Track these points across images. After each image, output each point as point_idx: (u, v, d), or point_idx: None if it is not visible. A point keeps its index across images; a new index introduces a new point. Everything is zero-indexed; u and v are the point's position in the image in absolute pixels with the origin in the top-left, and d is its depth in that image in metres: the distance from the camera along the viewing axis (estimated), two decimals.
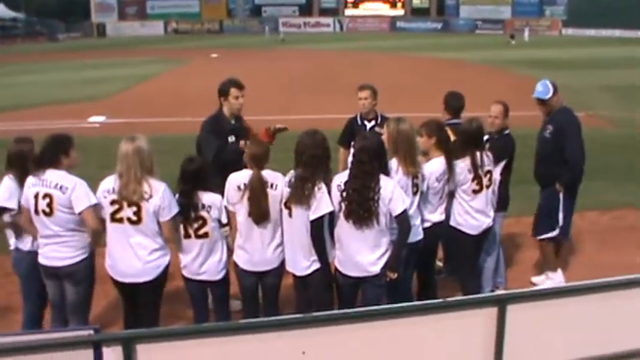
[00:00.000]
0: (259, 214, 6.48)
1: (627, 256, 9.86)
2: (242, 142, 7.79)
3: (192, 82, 33.46)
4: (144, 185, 6.21)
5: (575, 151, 8.37)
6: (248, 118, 8.41)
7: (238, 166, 6.84)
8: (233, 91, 8.03)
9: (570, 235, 9.09)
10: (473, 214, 7.68)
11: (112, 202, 6.30)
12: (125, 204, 6.25)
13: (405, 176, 6.78)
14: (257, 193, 6.44)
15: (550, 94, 8.47)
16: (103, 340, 4.28)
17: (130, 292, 6.60)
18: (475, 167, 7.53)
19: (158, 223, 6.36)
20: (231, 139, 7.94)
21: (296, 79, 34.06)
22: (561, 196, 8.53)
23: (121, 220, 6.32)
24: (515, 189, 8.75)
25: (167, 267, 6.56)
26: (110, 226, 6.38)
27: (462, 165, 7.51)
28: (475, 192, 7.61)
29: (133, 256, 6.38)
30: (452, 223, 7.70)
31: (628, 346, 5.29)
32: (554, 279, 8.75)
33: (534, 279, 9.17)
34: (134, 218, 6.28)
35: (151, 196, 6.23)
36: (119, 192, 6.24)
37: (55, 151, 6.42)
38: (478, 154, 7.55)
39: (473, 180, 7.55)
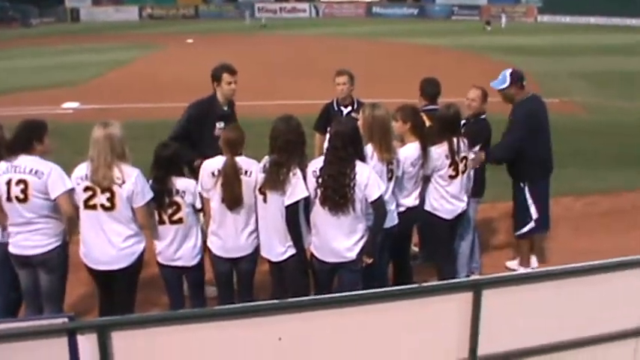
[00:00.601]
0: (232, 199, 6.45)
1: (601, 242, 9.95)
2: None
3: (167, 67, 33.25)
4: (114, 170, 6.16)
5: (502, 149, 8.39)
6: None
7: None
8: (226, 76, 8.01)
9: (549, 226, 9.09)
10: (448, 198, 7.70)
11: (86, 189, 6.24)
12: (98, 190, 6.20)
13: (380, 162, 6.77)
14: (230, 178, 6.42)
15: (504, 85, 8.42)
16: (77, 327, 4.25)
17: (104, 279, 6.56)
18: (452, 153, 7.55)
19: (132, 209, 6.31)
20: (220, 124, 7.87)
21: (272, 64, 33.93)
22: (527, 189, 8.54)
23: (94, 207, 6.26)
24: (490, 174, 8.78)
25: (142, 254, 6.53)
26: (84, 213, 6.33)
27: (440, 151, 7.52)
28: (451, 177, 7.63)
29: (107, 243, 6.33)
30: (427, 207, 7.72)
31: (603, 330, 5.34)
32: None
33: (508, 263, 9.23)
34: (108, 204, 6.23)
35: (123, 182, 6.18)
36: (90, 177, 6.19)
37: (28, 137, 6.34)
38: (455, 140, 7.57)
39: (450, 166, 7.57)
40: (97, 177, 6.17)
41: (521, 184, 8.55)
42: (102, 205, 6.25)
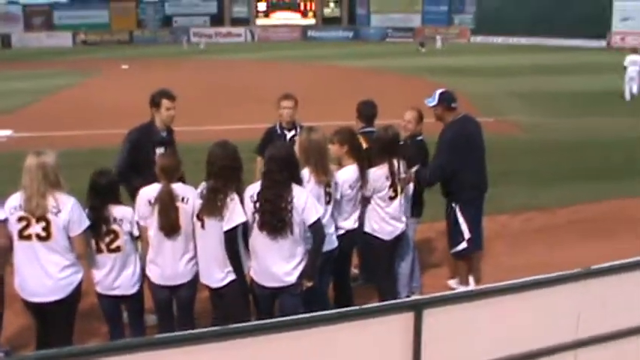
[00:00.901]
0: (169, 227, 6.41)
1: (538, 257, 10.12)
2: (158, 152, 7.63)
3: (103, 93, 32.86)
4: (49, 199, 6.05)
5: (430, 172, 8.40)
6: None
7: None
8: (165, 102, 7.99)
9: (482, 246, 9.18)
10: (388, 220, 7.75)
11: (20, 219, 6.12)
12: (33, 220, 6.08)
13: (317, 185, 6.78)
14: (166, 206, 6.38)
15: (433, 103, 8.52)
16: None
17: (41, 311, 6.42)
18: (392, 174, 7.61)
19: (69, 238, 6.20)
20: (160, 150, 7.79)
21: (208, 89, 33.82)
22: (457, 209, 8.60)
23: (29, 237, 6.13)
24: (429, 195, 8.86)
25: (80, 284, 6.41)
26: (18, 244, 6.19)
27: (380, 172, 7.57)
28: (391, 199, 7.69)
29: (44, 274, 6.19)
30: (367, 229, 7.76)
31: (540, 345, 5.41)
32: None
33: (450, 282, 9.30)
34: (43, 234, 6.11)
35: (59, 211, 6.08)
36: (24, 207, 6.07)
37: None
38: (395, 161, 7.63)
39: (390, 187, 7.62)
40: (30, 206, 6.05)
41: (453, 205, 8.61)
42: (37, 235, 6.12)
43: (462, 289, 8.85)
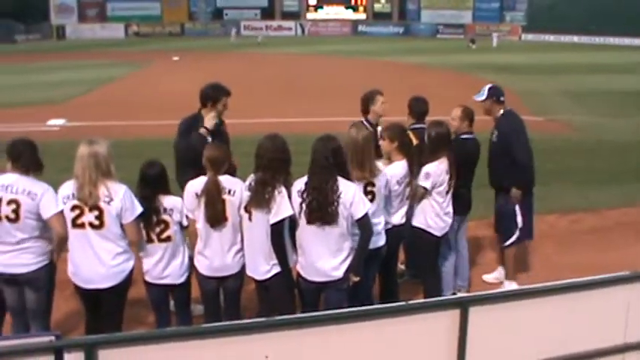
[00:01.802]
0: (214, 218, 6.46)
1: (586, 258, 10.02)
2: (202, 129, 7.74)
3: (153, 84, 33.27)
4: (100, 188, 6.15)
5: (521, 154, 8.48)
6: None
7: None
8: (224, 99, 8.04)
9: (533, 235, 9.15)
10: (442, 215, 7.80)
11: (73, 208, 6.22)
12: (86, 209, 6.18)
13: (357, 182, 6.72)
14: (213, 197, 6.43)
15: (482, 98, 8.62)
16: (64, 345, 4.23)
17: (93, 298, 6.52)
18: (451, 169, 7.63)
19: (121, 226, 6.30)
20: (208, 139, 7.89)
21: (258, 82, 33.97)
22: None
23: (82, 226, 6.24)
24: (476, 193, 8.82)
25: (131, 271, 6.51)
26: (72, 232, 6.29)
27: (441, 166, 7.62)
28: (447, 193, 7.72)
29: (97, 261, 6.30)
30: (420, 224, 7.77)
31: (587, 347, 5.36)
32: (509, 286, 8.80)
33: (485, 277, 9.35)
34: (96, 223, 6.21)
35: (111, 199, 6.17)
36: (76, 195, 6.18)
37: (36, 158, 6.35)
38: (451, 155, 7.65)
39: (449, 180, 7.65)
40: (82, 194, 6.15)
41: (513, 195, 8.61)
42: (90, 224, 6.22)
43: (506, 283, 8.82)
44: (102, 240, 6.28)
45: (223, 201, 6.47)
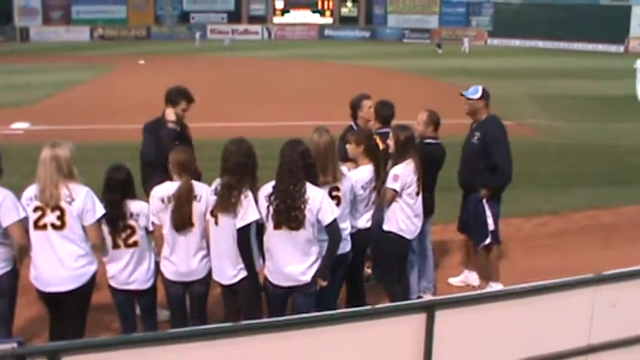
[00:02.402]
0: (181, 222, 6.44)
1: (551, 261, 10.11)
2: (171, 124, 7.83)
3: (119, 88, 33.03)
4: (62, 189, 6.13)
5: (503, 159, 8.54)
6: None
7: None
8: (183, 103, 8.03)
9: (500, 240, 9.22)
10: (412, 218, 7.80)
11: (35, 209, 6.20)
12: (48, 210, 6.16)
13: (322, 186, 6.70)
14: (182, 202, 6.41)
15: (476, 96, 8.65)
16: (27, 353, 4.18)
17: (55, 302, 6.47)
18: (418, 170, 7.64)
19: (83, 228, 6.26)
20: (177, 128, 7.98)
21: (223, 86, 33.89)
22: (485, 202, 8.67)
23: (44, 227, 6.21)
24: (440, 195, 8.86)
25: (94, 275, 6.47)
26: (34, 234, 6.25)
27: (409, 167, 7.61)
28: (417, 194, 7.73)
29: (58, 264, 6.26)
30: (392, 229, 7.76)
31: (552, 349, 5.40)
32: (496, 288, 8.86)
33: (451, 280, 9.43)
34: (58, 223, 6.19)
35: (73, 199, 6.16)
36: (38, 197, 6.16)
37: None
38: (416, 157, 7.67)
39: (417, 181, 7.66)
40: (44, 196, 6.15)
41: (482, 195, 8.68)
42: (52, 225, 6.19)
43: (492, 284, 8.85)
44: (64, 241, 6.24)
45: (191, 206, 6.44)
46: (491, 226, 8.75)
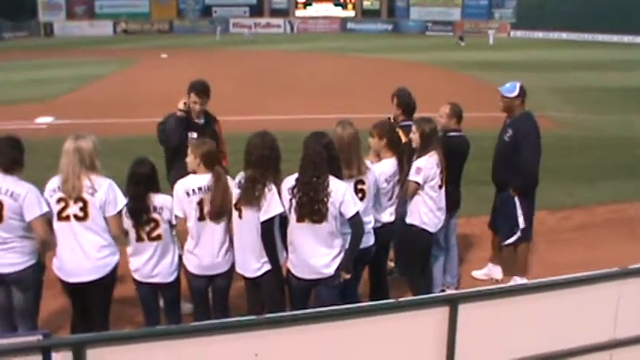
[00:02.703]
0: (217, 211, 6.45)
1: (575, 255, 10.04)
2: (179, 113, 8.03)
3: (141, 82, 33.18)
4: (84, 181, 6.21)
5: (528, 159, 8.47)
6: None
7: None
8: (192, 96, 8.15)
9: (531, 237, 9.16)
10: (435, 211, 7.78)
11: (58, 200, 6.28)
12: (71, 201, 6.23)
13: (347, 180, 6.71)
14: (219, 190, 6.44)
15: (514, 94, 8.55)
16: (52, 345, 4.20)
17: (78, 292, 6.53)
18: (441, 162, 7.62)
19: (105, 220, 6.32)
20: (193, 135, 7.99)
21: (246, 79, 33.94)
22: (517, 200, 8.62)
23: (67, 218, 6.28)
24: (465, 189, 8.82)
25: (116, 266, 6.53)
26: (57, 225, 6.33)
27: (431, 160, 7.60)
28: (440, 187, 7.71)
29: (82, 254, 6.33)
30: (414, 222, 7.75)
31: (576, 343, 5.37)
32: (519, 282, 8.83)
33: (474, 273, 9.38)
34: (81, 214, 6.26)
35: (96, 191, 6.24)
36: (61, 188, 6.24)
37: (13, 157, 6.30)
38: (440, 149, 7.65)
39: (440, 174, 7.64)
40: (66, 187, 6.23)
41: (512, 194, 8.64)
42: (75, 216, 6.27)
43: (517, 279, 8.81)
44: (86, 232, 6.31)
45: (228, 194, 6.48)
46: (522, 224, 8.70)
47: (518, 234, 8.74)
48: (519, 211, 8.64)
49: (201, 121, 8.22)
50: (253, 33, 72.48)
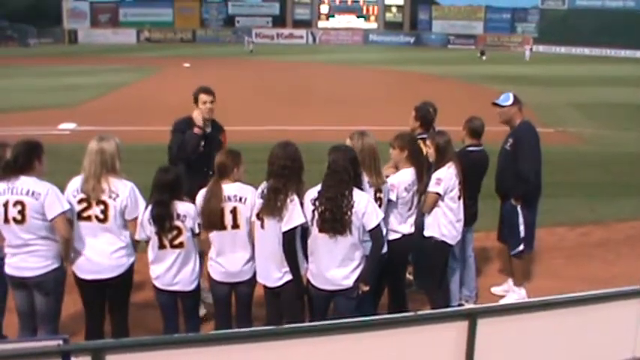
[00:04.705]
0: (207, 221, 6.51)
1: (595, 271, 9.99)
2: (196, 129, 8.07)
3: (164, 90, 33.34)
4: (103, 183, 6.32)
5: (526, 166, 8.44)
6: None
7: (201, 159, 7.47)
8: (202, 96, 8.24)
9: (534, 247, 9.13)
10: (454, 223, 7.77)
11: (80, 201, 6.39)
12: (93, 202, 6.35)
13: (369, 188, 6.76)
14: (210, 201, 6.49)
15: (508, 102, 8.58)
16: (72, 350, 4.25)
17: (95, 291, 6.60)
18: (459, 172, 7.63)
19: (125, 221, 6.45)
20: (201, 144, 8.10)
21: (270, 89, 34.06)
22: (519, 209, 8.60)
23: (88, 219, 6.41)
24: (483, 203, 8.81)
25: (132, 266, 6.62)
26: (77, 224, 6.43)
27: (450, 171, 7.62)
28: (459, 198, 7.73)
29: (99, 253, 6.45)
30: (434, 234, 7.74)
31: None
32: (518, 293, 8.82)
33: (494, 289, 9.31)
34: (101, 217, 6.38)
35: (117, 195, 6.35)
36: (82, 188, 6.36)
37: (29, 157, 6.36)
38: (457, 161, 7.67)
39: (459, 184, 7.66)
40: (86, 187, 6.35)
41: (514, 203, 8.62)
42: (96, 217, 6.40)
43: (514, 289, 8.79)
44: (105, 233, 6.44)
45: (222, 208, 6.50)
46: (522, 233, 8.67)
47: (522, 245, 8.72)
48: (520, 220, 8.62)
49: (209, 129, 8.29)
50: (251, 41, 72.35)
